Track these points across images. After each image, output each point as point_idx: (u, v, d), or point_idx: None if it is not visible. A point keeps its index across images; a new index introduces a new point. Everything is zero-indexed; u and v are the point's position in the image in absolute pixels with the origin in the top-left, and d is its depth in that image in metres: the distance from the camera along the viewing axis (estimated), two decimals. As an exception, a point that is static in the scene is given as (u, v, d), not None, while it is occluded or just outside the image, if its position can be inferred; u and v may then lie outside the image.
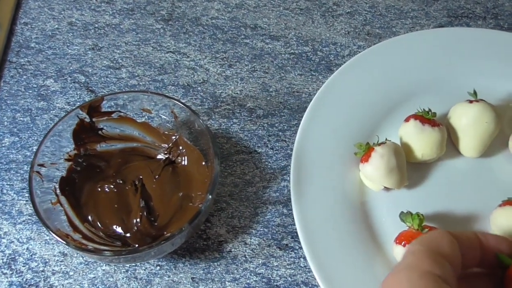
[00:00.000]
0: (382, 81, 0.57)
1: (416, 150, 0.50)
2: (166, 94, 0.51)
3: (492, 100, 0.53)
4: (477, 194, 0.51)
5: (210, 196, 0.43)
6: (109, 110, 0.49)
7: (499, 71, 0.58)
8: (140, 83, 0.60)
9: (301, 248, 0.49)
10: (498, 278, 0.34)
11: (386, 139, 0.50)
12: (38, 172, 0.45)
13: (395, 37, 0.61)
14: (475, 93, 0.52)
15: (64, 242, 0.41)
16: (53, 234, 0.41)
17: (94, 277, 0.48)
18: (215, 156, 0.45)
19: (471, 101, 0.52)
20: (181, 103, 0.48)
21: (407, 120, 0.51)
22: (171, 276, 0.49)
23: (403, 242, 0.44)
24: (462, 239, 0.33)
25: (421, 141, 0.50)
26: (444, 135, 0.51)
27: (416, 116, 0.51)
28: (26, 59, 0.62)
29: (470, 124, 0.51)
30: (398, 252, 0.45)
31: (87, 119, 0.49)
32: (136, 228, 0.47)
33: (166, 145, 0.51)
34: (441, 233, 0.33)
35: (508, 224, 0.45)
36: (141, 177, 0.50)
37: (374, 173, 0.48)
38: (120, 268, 0.49)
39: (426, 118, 0.51)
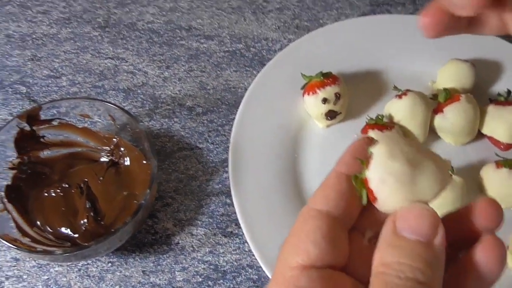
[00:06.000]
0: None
1: None
2: (102, 99, 0.53)
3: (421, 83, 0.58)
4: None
5: (148, 191, 0.45)
6: (50, 118, 0.52)
7: (411, 54, 0.62)
8: (81, 90, 0.62)
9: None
10: None
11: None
12: (-18, 182, 0.47)
13: (320, 28, 0.64)
14: (396, 88, 0.56)
15: (13, 246, 0.44)
16: (1, 239, 0.43)
17: (48, 278, 0.50)
18: (152, 153, 0.48)
19: (400, 96, 0.54)
20: (117, 106, 0.50)
21: (365, 131, 0.53)
22: (123, 271, 0.51)
23: None
24: None
25: None
26: (400, 132, 0.53)
27: (371, 126, 0.53)
28: (-34, 74, 0.63)
29: (407, 117, 0.53)
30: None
31: (27, 128, 0.51)
32: (84, 228, 0.49)
33: (108, 147, 0.54)
34: None
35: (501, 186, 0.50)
36: (86, 180, 0.52)
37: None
38: (73, 267, 0.51)
39: (381, 125, 0.52)
